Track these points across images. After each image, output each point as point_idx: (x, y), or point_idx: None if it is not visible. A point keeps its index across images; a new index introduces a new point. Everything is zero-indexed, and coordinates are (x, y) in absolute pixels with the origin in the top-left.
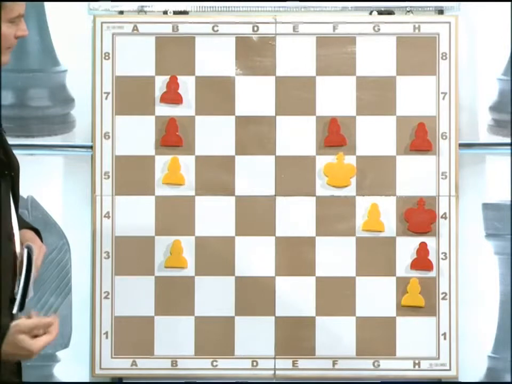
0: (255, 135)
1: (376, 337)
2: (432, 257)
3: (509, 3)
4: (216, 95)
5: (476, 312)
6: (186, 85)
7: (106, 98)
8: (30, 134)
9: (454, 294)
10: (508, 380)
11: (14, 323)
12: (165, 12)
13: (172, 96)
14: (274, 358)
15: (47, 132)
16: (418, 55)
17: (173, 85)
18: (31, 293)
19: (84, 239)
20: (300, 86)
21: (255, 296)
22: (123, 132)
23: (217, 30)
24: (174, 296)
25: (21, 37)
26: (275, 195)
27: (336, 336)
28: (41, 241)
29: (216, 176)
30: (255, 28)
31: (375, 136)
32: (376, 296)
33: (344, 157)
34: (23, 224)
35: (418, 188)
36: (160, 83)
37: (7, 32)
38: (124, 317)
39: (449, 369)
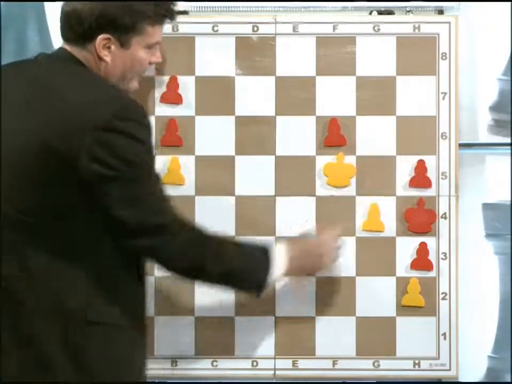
0: (255, 135)
1: (376, 337)
2: (432, 257)
3: (509, 3)
4: (216, 95)
5: (476, 312)
6: (186, 85)
7: None
8: None
9: (454, 294)
10: (508, 379)
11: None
12: None
13: (172, 96)
14: (274, 358)
15: None
16: (418, 55)
17: (173, 85)
18: None
19: None
20: (300, 86)
21: (255, 296)
22: None
23: (217, 30)
24: (174, 296)
25: (154, 63)
26: (275, 195)
27: (336, 336)
28: None
29: (216, 176)
30: (255, 28)
31: (375, 136)
32: (376, 296)
33: (344, 157)
34: None
35: (418, 187)
36: (160, 83)
37: (143, 57)
38: None
39: (449, 369)
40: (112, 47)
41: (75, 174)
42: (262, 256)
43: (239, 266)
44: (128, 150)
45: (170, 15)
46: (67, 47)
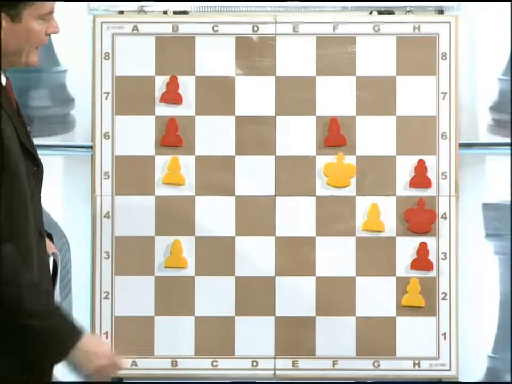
0: (255, 135)
1: (376, 337)
2: (432, 257)
3: (509, 3)
4: (216, 95)
5: (476, 312)
6: (186, 85)
7: (106, 98)
8: (30, 134)
9: (454, 294)
10: (508, 379)
11: None
12: (165, 12)
13: (172, 96)
14: (274, 358)
15: (47, 132)
16: (418, 55)
17: (173, 85)
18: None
19: (84, 239)
20: (300, 86)
21: (255, 296)
22: (123, 132)
23: (217, 30)
24: (174, 296)
25: (52, 33)
26: (275, 195)
27: (336, 336)
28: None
29: (216, 176)
30: (255, 28)
31: (375, 136)
32: (376, 296)
33: (344, 157)
34: None
35: (418, 187)
36: (160, 83)
37: (37, 29)
38: (124, 317)
39: (449, 369)
40: (3, 22)
41: None
42: (72, 329)
43: (50, 324)
44: None
45: None
46: None
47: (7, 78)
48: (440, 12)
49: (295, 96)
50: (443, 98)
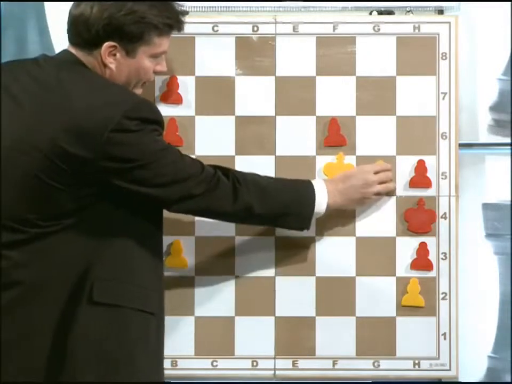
0: (255, 135)
1: (376, 337)
2: (432, 257)
3: (509, 3)
4: (216, 95)
5: (476, 312)
6: (186, 85)
7: None
8: None
9: (454, 294)
10: (508, 380)
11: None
12: None
13: (172, 96)
14: (274, 358)
15: None
16: (418, 55)
17: (173, 85)
18: None
19: None
20: (300, 86)
21: (255, 296)
22: None
23: (217, 30)
24: (174, 296)
25: (159, 72)
26: None
27: (336, 336)
28: None
29: None
30: (255, 28)
31: (375, 136)
32: (376, 296)
33: (344, 157)
34: None
35: (418, 187)
36: (160, 83)
37: (148, 66)
38: None
39: (449, 369)
40: (118, 54)
41: (91, 171)
42: (304, 189)
43: (285, 202)
44: (141, 143)
45: (179, 26)
46: (73, 51)
47: None
48: (440, 12)
49: (295, 96)
50: (443, 98)
